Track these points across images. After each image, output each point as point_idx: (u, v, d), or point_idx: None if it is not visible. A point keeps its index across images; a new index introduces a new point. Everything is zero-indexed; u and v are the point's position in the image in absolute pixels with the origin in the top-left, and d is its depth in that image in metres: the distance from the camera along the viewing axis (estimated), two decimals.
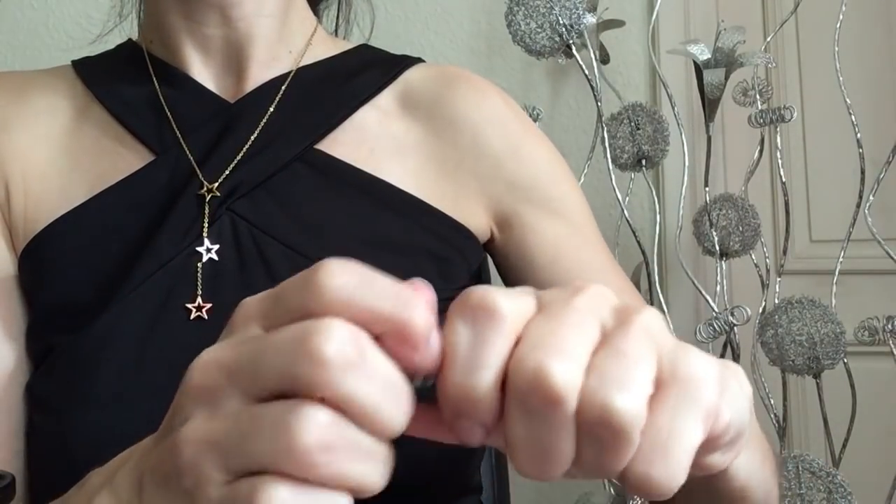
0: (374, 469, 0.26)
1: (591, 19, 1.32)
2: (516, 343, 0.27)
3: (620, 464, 0.27)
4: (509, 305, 0.28)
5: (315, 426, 0.25)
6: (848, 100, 1.21)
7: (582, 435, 0.27)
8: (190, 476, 0.26)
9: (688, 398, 0.27)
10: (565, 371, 0.26)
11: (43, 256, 0.57)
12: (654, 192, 1.35)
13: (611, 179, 1.28)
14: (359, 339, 0.26)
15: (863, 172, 1.21)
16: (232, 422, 0.26)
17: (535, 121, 1.29)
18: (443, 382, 0.27)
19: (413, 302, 0.27)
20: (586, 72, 1.26)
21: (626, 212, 1.30)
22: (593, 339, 0.28)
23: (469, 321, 0.27)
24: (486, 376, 0.27)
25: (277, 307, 0.28)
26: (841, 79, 1.21)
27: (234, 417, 0.26)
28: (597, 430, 0.26)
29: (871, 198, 1.21)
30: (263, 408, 0.26)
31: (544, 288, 0.60)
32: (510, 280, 0.64)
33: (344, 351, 0.25)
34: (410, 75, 0.65)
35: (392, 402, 0.26)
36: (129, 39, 0.68)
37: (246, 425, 0.26)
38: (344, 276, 0.27)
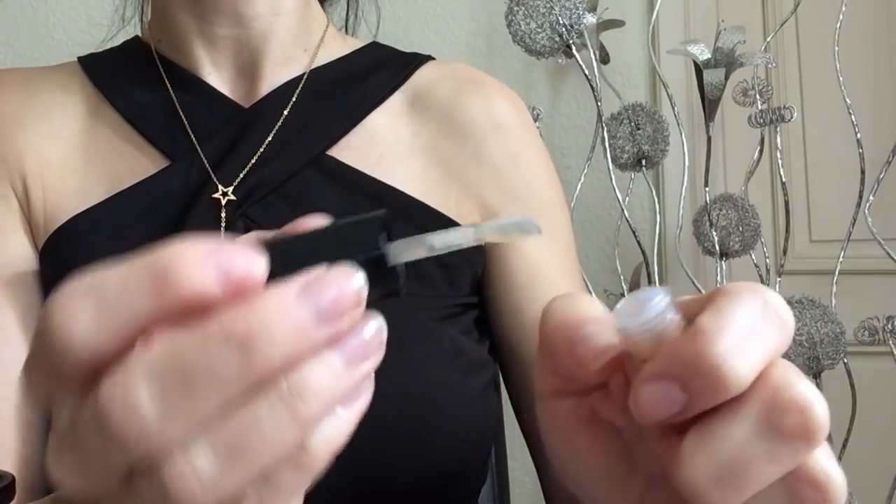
0: (227, 357, 0.22)
1: (591, 19, 1.32)
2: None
3: None
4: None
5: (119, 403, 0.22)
6: (848, 100, 1.21)
7: (783, 486, 0.25)
8: (104, 498, 0.24)
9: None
10: (826, 415, 0.25)
11: (62, 254, 0.57)
12: (654, 192, 1.34)
13: (611, 179, 1.28)
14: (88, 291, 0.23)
15: (863, 172, 1.21)
16: (72, 433, 0.24)
17: (535, 121, 1.29)
18: (692, 341, 0.25)
19: (174, 265, 0.23)
20: (586, 72, 1.26)
21: (626, 212, 1.30)
22: None
23: (759, 307, 0.26)
24: (752, 366, 0.25)
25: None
26: (841, 79, 1.21)
27: (71, 428, 0.24)
28: (808, 491, 0.25)
29: (871, 198, 1.21)
30: (84, 410, 0.23)
31: (515, 306, 0.60)
32: (484, 292, 0.64)
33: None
34: (422, 76, 0.65)
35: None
36: (136, 37, 0.68)
37: (83, 434, 0.23)
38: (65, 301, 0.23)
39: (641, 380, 0.26)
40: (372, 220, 0.27)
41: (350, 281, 0.24)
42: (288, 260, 0.25)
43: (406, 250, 0.26)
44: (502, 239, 0.27)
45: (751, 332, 0.25)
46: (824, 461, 0.25)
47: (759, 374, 0.25)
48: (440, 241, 0.26)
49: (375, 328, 0.25)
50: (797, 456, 0.25)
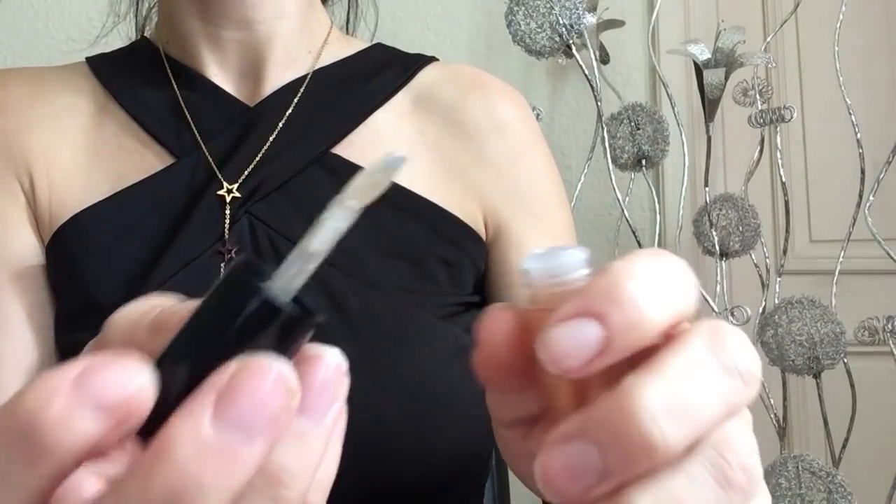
0: None
1: (591, 19, 1.32)
2: None
3: None
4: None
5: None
6: (848, 100, 1.21)
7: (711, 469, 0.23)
8: None
9: None
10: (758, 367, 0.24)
11: (66, 250, 0.58)
12: (654, 192, 1.35)
13: (611, 179, 1.28)
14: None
15: (863, 172, 1.21)
16: None
17: None
18: (605, 278, 0.23)
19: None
20: (586, 72, 1.26)
21: (626, 212, 1.30)
22: None
23: (664, 261, 0.24)
24: (665, 308, 0.23)
25: None
26: (841, 79, 1.21)
27: None
28: (737, 473, 0.23)
29: (871, 198, 1.21)
30: None
31: (514, 304, 0.58)
32: (485, 289, 0.64)
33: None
34: (425, 76, 0.66)
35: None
36: (144, 38, 0.68)
37: None
38: None
39: (552, 322, 0.23)
40: (238, 274, 0.21)
41: (269, 373, 0.20)
42: (180, 366, 0.21)
43: (293, 278, 0.22)
44: (376, 190, 0.23)
45: (660, 275, 0.23)
46: (751, 450, 0.24)
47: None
48: (320, 241, 0.22)
49: (333, 366, 0.22)
50: (739, 394, 0.23)
